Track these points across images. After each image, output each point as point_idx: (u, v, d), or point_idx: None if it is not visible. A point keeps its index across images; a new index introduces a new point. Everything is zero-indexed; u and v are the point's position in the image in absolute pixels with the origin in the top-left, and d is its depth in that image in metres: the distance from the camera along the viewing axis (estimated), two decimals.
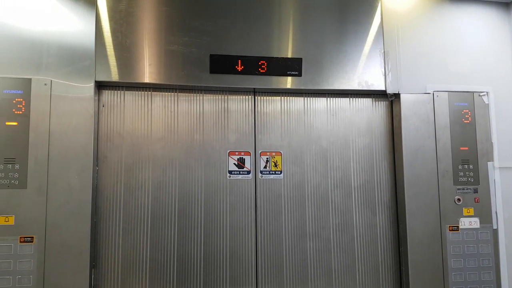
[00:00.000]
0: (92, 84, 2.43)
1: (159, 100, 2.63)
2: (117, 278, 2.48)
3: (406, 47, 2.79)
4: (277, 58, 2.63)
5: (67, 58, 2.42)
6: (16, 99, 2.33)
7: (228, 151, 2.66)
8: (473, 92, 2.80)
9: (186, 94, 2.66)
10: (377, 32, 2.75)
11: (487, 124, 2.78)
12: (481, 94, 2.80)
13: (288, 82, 2.65)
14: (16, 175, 2.29)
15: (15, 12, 2.42)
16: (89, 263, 2.33)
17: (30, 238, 2.27)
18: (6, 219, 2.26)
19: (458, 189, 2.70)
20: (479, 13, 2.92)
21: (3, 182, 2.27)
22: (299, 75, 2.64)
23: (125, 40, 2.51)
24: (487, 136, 2.77)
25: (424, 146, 2.70)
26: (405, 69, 2.77)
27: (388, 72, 2.74)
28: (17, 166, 2.29)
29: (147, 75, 2.52)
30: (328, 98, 2.80)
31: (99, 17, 2.49)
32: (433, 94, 2.75)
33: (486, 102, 2.80)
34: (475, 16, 2.91)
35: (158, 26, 2.56)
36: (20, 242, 2.26)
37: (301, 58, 2.65)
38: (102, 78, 2.47)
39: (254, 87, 2.65)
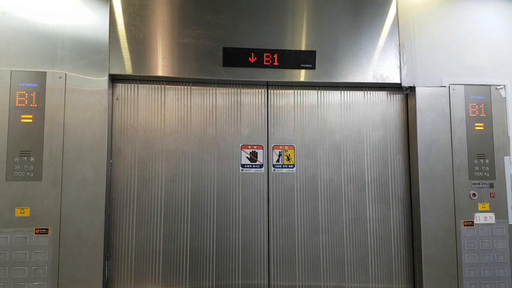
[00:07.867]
0: (106, 78, 2.44)
1: (172, 93, 2.63)
2: (131, 270, 2.50)
3: (421, 39, 2.75)
4: (290, 50, 2.62)
5: (81, 52, 2.44)
6: (32, 92, 2.35)
7: (240, 145, 2.66)
8: (490, 86, 2.75)
9: (199, 87, 2.66)
10: (392, 25, 2.72)
11: (503, 118, 2.73)
12: (498, 87, 2.75)
13: (302, 75, 2.63)
14: (32, 167, 2.31)
15: (30, 6, 2.43)
16: (103, 254, 2.36)
17: (45, 230, 2.30)
18: (22, 211, 2.29)
19: (474, 183, 2.66)
20: (496, 5, 2.86)
21: (18, 174, 2.30)
22: (313, 68, 2.62)
23: (139, 33, 2.51)
24: (504, 130, 2.72)
25: (439, 140, 2.66)
26: (420, 61, 2.72)
27: (404, 65, 2.70)
28: (32, 159, 2.32)
29: (160, 68, 2.53)
30: (342, 91, 2.77)
31: (113, 10, 2.50)
32: (449, 87, 2.71)
33: (503, 96, 2.75)
34: (492, 8, 2.85)
35: (171, 19, 2.55)
36: (35, 233, 2.29)
37: (315, 51, 2.63)
38: (116, 71, 2.48)
39: (267, 80, 2.64)
